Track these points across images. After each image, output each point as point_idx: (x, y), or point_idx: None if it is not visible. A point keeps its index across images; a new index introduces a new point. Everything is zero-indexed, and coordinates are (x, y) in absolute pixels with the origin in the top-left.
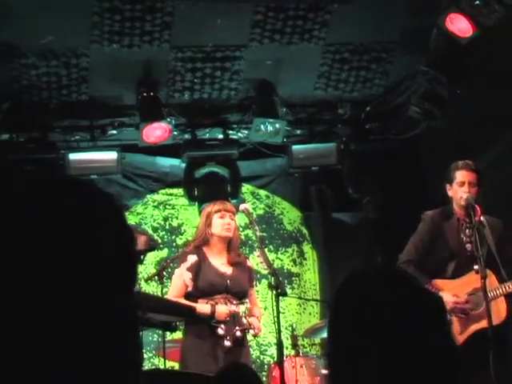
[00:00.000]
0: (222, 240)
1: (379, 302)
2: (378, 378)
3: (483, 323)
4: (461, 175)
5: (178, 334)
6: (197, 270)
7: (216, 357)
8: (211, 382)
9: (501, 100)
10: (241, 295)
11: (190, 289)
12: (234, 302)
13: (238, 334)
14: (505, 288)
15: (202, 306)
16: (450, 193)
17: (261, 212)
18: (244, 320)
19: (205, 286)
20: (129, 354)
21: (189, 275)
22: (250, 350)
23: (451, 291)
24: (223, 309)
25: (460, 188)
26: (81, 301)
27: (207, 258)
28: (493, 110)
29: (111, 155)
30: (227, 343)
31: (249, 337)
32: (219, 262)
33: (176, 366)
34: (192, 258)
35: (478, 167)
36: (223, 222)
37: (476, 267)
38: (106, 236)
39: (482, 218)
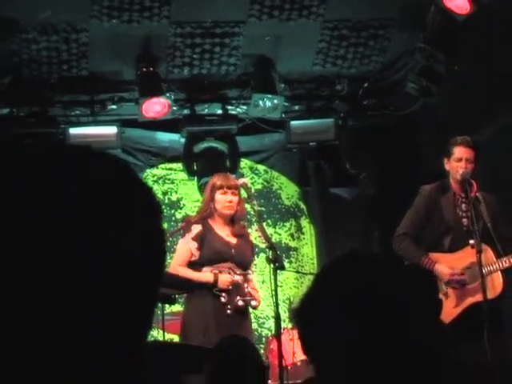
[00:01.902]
0: (225, 216)
1: (363, 284)
2: (359, 362)
3: (478, 297)
4: (459, 151)
5: (177, 307)
6: (202, 239)
7: (218, 327)
8: (211, 355)
9: (498, 77)
10: (245, 265)
11: (195, 258)
12: (238, 272)
13: (240, 303)
14: (501, 263)
15: (204, 275)
16: (447, 167)
17: (259, 187)
18: (246, 290)
19: (210, 253)
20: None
21: (194, 244)
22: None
23: (447, 264)
24: (226, 277)
25: (457, 163)
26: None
27: (213, 228)
28: (490, 87)
29: (111, 130)
30: (229, 311)
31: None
32: (224, 233)
33: (175, 338)
34: (197, 228)
35: (475, 143)
36: (225, 198)
37: (472, 241)
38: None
39: (477, 194)
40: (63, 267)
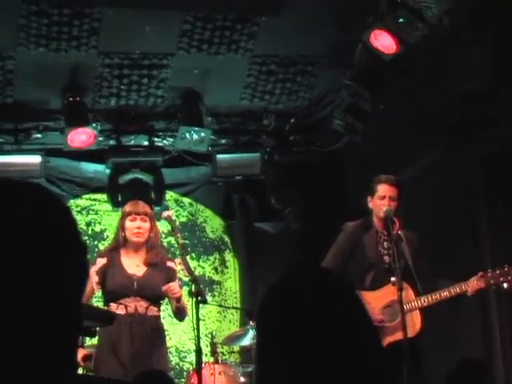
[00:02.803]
0: (134, 244)
1: (307, 301)
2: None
3: (398, 335)
4: (382, 189)
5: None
6: (105, 273)
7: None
8: None
9: (423, 116)
10: (151, 296)
11: (97, 292)
12: (145, 305)
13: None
14: (420, 301)
15: None
16: (370, 205)
17: (184, 219)
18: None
19: (112, 288)
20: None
21: (95, 279)
22: (170, 355)
23: (368, 303)
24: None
25: (380, 201)
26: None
27: (119, 260)
28: (415, 126)
29: (35, 159)
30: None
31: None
32: (134, 263)
33: None
34: (101, 262)
35: (398, 182)
36: (133, 225)
37: (393, 279)
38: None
39: (399, 232)
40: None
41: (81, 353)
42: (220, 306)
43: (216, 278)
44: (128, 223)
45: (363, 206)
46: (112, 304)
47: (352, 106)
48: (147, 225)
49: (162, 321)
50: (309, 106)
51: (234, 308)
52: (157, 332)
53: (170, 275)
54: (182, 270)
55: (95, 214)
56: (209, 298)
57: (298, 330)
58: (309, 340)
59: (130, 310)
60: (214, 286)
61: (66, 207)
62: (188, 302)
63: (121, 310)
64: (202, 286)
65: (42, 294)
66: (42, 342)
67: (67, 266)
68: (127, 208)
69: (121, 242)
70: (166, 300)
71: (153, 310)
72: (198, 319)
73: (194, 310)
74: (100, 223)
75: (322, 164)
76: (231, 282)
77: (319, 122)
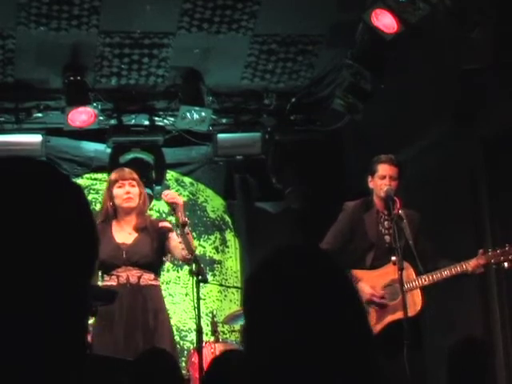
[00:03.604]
0: (125, 210)
1: (295, 277)
2: (292, 355)
3: (399, 314)
4: (382, 168)
5: None
6: None
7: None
8: (130, 368)
9: (424, 96)
10: (143, 263)
11: None
12: (137, 274)
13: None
14: (421, 280)
15: None
16: (370, 185)
17: (185, 199)
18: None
19: (103, 259)
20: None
21: None
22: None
23: (369, 282)
24: None
25: (381, 181)
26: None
27: (110, 230)
28: (416, 106)
29: (36, 138)
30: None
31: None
32: (126, 232)
33: None
34: None
35: (399, 161)
36: (122, 191)
37: (393, 258)
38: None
39: (400, 211)
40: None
41: None
42: (221, 285)
43: (217, 257)
44: (116, 190)
45: (363, 186)
46: (105, 276)
47: (353, 85)
48: (136, 190)
49: (163, 292)
50: (310, 86)
51: (234, 287)
52: (152, 302)
53: (163, 232)
54: (183, 249)
55: (96, 194)
56: (209, 278)
57: (283, 307)
58: (295, 318)
59: (121, 281)
60: (215, 266)
61: (77, 186)
62: (189, 282)
63: (113, 282)
64: (202, 266)
65: (52, 274)
66: (52, 324)
67: (78, 245)
68: (113, 176)
69: (110, 213)
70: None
71: (146, 279)
72: (198, 298)
73: (195, 290)
74: (101, 202)
75: (323, 143)
76: (232, 262)
77: (320, 102)
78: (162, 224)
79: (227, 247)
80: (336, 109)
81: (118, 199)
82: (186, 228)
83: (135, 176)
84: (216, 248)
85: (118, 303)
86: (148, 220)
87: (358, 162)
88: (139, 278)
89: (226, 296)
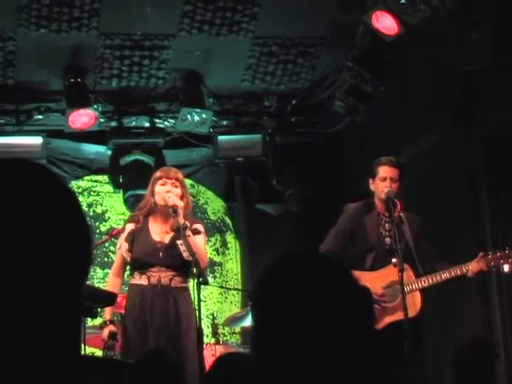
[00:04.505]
0: (163, 208)
1: (306, 282)
2: (300, 363)
3: (398, 315)
4: (383, 170)
5: (99, 320)
6: (133, 239)
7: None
8: (132, 369)
9: (424, 97)
10: (178, 266)
11: (129, 260)
12: (169, 275)
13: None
14: (420, 283)
15: (106, 310)
16: (372, 187)
17: None
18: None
19: (137, 257)
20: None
21: (125, 246)
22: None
23: (369, 283)
24: (108, 331)
25: (382, 183)
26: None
27: (147, 226)
28: (415, 106)
29: (36, 140)
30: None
31: None
32: (163, 230)
33: (96, 352)
34: (129, 227)
35: (399, 163)
36: (164, 189)
37: (394, 260)
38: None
39: (401, 214)
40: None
41: (106, 331)
42: (221, 287)
43: (217, 259)
44: (158, 187)
45: (364, 188)
46: (135, 274)
47: (353, 87)
48: (178, 190)
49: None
50: (310, 88)
51: (235, 289)
52: (184, 306)
53: (203, 238)
54: (184, 251)
55: (97, 196)
56: (210, 280)
57: (293, 310)
58: (304, 322)
59: (152, 281)
60: (216, 268)
61: (70, 189)
62: (189, 284)
63: (143, 281)
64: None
65: (45, 277)
66: (44, 326)
67: (71, 248)
68: (158, 173)
69: (150, 209)
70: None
71: (178, 281)
72: (199, 300)
73: (196, 292)
74: (101, 204)
75: (323, 145)
76: (232, 264)
77: (320, 104)
78: (196, 226)
79: (228, 249)
80: (336, 110)
81: (158, 196)
82: (187, 231)
83: (180, 176)
84: (217, 250)
85: (149, 305)
86: (190, 220)
87: (358, 164)
88: (171, 279)
89: (226, 298)
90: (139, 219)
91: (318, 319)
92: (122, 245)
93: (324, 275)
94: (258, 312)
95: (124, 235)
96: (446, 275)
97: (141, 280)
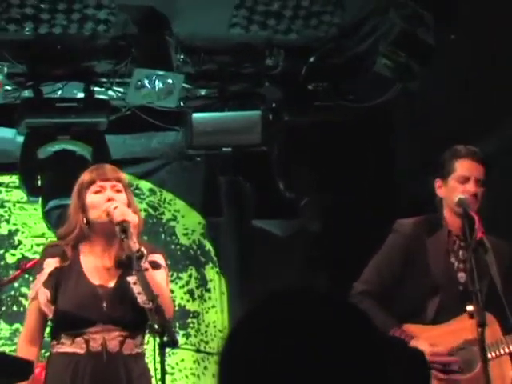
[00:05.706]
0: (105, 229)
1: (290, 348)
2: None
3: None
4: (464, 167)
5: None
6: (57, 284)
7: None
8: None
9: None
10: (129, 321)
11: (51, 316)
12: (119, 337)
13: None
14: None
15: None
16: (440, 192)
17: (141, 215)
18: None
19: (68, 311)
20: None
21: (45, 294)
22: None
23: (430, 341)
24: None
25: (461, 185)
26: None
27: (79, 261)
28: (504, 72)
29: None
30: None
31: None
32: (103, 267)
33: None
34: (50, 265)
35: (485, 157)
36: (101, 198)
37: (470, 308)
38: None
39: (484, 237)
40: None
41: None
42: (198, 351)
43: (192, 307)
44: (91, 197)
45: (424, 194)
46: (63, 338)
47: (407, 36)
48: (123, 196)
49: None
50: (338, 37)
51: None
52: (140, 381)
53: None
54: (138, 293)
55: (0, 208)
56: (181, 340)
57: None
58: None
59: (93, 347)
60: (189, 320)
61: None
62: (148, 345)
63: (77, 348)
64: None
65: None
66: None
67: None
68: (87, 175)
69: (81, 233)
70: None
71: (131, 344)
72: (163, 372)
73: (158, 358)
74: (8, 221)
75: (358, 128)
76: (215, 314)
77: (354, 62)
78: (154, 258)
79: (208, 291)
80: (379, 73)
81: (94, 211)
82: (144, 261)
83: (122, 176)
84: (190, 292)
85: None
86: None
87: (413, 156)
88: (121, 343)
89: (205, 368)
90: (65, 252)
91: None
92: (38, 293)
93: (326, 334)
94: (225, 376)
95: (42, 278)
96: None
97: (73, 347)
